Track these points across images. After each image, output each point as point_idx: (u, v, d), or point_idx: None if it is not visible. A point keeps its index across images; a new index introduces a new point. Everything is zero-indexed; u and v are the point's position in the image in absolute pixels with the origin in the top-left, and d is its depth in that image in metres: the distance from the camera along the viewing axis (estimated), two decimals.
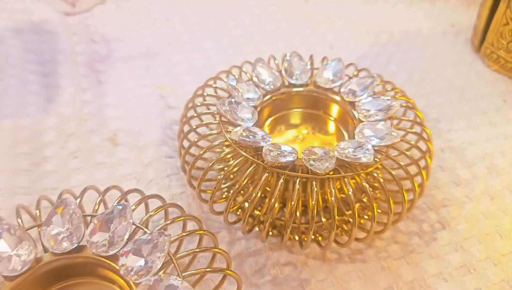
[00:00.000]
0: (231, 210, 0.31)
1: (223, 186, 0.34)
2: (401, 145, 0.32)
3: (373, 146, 0.30)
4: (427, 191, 0.36)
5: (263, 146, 0.29)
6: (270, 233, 0.33)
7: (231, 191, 0.30)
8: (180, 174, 0.37)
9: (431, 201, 0.36)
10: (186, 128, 0.34)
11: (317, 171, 0.28)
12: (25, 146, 0.39)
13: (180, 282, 0.23)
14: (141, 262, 0.24)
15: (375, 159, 0.29)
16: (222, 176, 0.30)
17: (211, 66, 0.47)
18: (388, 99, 0.33)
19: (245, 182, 0.29)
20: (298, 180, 0.29)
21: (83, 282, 0.27)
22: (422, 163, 0.32)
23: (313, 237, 0.31)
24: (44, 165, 0.37)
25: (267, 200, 0.31)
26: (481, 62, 0.49)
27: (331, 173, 0.29)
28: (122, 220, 0.25)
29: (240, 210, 0.34)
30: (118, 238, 0.25)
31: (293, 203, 0.29)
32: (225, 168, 0.34)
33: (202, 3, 0.57)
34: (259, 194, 0.29)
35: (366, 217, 0.33)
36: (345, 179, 0.29)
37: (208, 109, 0.35)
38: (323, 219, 0.32)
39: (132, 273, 0.24)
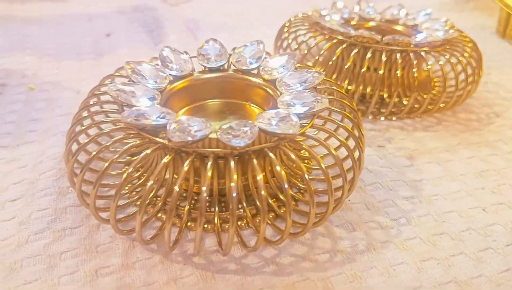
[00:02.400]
0: None
1: None
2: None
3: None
4: (480, 95, 0.44)
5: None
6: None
7: None
8: None
9: (485, 102, 0.43)
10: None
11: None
12: None
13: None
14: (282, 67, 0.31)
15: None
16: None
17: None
18: None
19: None
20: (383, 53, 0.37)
21: (228, 102, 0.33)
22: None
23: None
24: None
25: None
26: (507, 44, 0.59)
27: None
28: (256, 46, 0.33)
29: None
30: (256, 56, 0.32)
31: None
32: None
33: None
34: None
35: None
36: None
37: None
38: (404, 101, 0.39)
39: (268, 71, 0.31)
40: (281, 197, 0.29)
